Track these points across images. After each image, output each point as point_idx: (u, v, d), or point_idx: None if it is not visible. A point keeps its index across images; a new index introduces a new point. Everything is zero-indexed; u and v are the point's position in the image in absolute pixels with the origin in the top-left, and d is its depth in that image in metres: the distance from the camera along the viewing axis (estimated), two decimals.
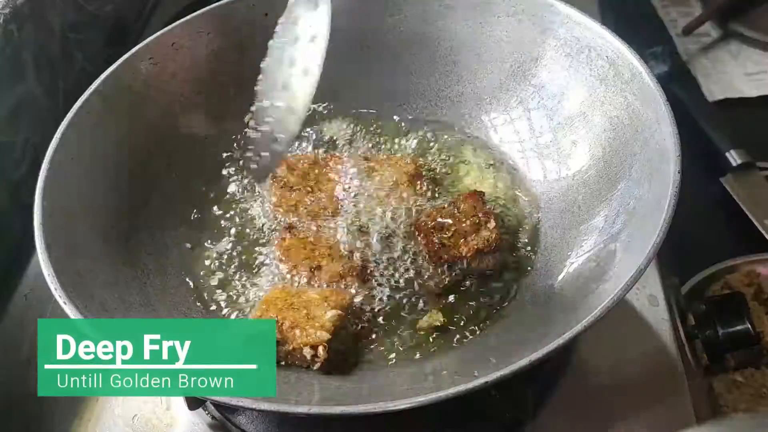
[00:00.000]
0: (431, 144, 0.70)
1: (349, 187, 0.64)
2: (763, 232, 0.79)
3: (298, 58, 0.51)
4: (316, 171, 0.65)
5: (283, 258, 0.60)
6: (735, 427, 0.56)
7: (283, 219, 0.63)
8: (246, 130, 0.57)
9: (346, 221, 0.62)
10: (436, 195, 0.64)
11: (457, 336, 0.55)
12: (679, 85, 0.93)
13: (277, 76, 0.52)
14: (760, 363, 0.69)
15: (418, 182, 0.64)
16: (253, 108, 0.56)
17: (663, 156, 0.52)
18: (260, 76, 0.53)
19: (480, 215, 0.59)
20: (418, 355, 0.55)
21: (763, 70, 1.00)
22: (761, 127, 0.95)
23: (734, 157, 0.86)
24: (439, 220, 0.59)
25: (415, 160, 0.66)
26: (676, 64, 0.98)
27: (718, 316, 0.65)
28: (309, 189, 0.64)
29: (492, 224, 0.58)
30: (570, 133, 0.64)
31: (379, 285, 0.58)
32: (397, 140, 0.71)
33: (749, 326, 0.63)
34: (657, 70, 0.94)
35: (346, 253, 0.59)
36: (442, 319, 0.56)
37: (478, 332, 0.55)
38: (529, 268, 0.59)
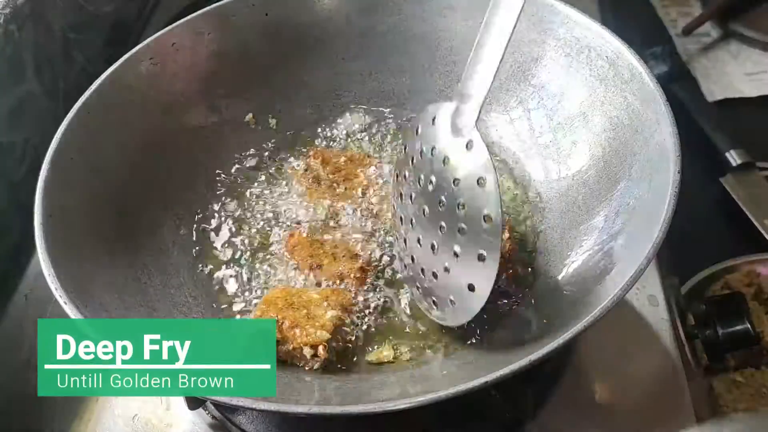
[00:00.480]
0: None
1: (373, 191, 0.65)
2: (763, 232, 0.79)
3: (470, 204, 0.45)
4: (348, 169, 0.66)
5: (288, 255, 0.60)
6: (735, 427, 0.56)
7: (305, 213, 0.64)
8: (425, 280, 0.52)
9: (360, 222, 0.62)
10: None
11: (457, 338, 0.55)
12: (679, 85, 0.93)
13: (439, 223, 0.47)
14: (760, 363, 0.69)
15: None
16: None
17: (663, 156, 0.52)
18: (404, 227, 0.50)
19: None
20: (417, 357, 0.55)
21: (763, 70, 1.00)
22: (761, 127, 0.95)
23: (734, 157, 0.86)
24: None
25: None
26: (676, 64, 0.98)
27: (718, 316, 0.65)
28: (335, 185, 0.65)
29: (506, 235, 0.56)
30: (570, 133, 0.64)
31: (378, 289, 0.58)
32: (396, 141, 0.71)
33: (749, 326, 0.63)
34: (657, 70, 0.94)
35: (351, 254, 0.60)
36: (391, 356, 0.54)
37: (477, 333, 0.55)
38: (528, 269, 0.59)
